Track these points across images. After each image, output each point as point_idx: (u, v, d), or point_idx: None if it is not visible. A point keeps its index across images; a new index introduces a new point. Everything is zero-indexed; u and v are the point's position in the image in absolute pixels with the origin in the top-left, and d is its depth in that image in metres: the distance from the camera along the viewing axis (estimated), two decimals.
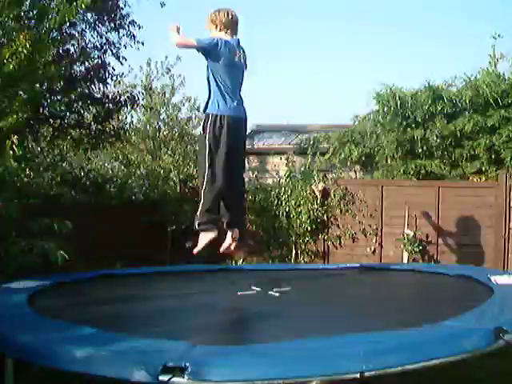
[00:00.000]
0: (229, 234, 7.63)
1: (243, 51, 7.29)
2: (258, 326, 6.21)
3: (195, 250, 7.52)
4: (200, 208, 7.24)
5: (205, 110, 7.12)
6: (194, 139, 22.11)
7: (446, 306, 6.63)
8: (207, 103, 7.06)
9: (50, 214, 10.11)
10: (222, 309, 7.11)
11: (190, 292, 8.13)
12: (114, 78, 14.49)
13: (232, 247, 7.67)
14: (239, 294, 7.71)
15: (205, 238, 7.33)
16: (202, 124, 7.14)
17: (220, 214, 7.46)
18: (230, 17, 7.15)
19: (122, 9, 13.98)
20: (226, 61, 6.97)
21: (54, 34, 12.02)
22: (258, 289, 7.81)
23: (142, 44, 14.46)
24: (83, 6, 10.85)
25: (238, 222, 7.74)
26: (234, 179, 7.33)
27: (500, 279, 7.65)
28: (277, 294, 7.57)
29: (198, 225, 7.29)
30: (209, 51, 6.93)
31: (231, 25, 7.15)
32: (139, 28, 14.22)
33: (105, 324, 5.76)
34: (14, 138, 9.44)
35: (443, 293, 7.81)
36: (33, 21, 11.27)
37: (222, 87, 6.98)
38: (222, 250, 7.71)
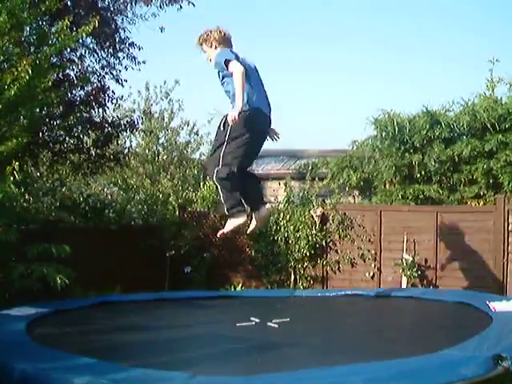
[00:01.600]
0: (254, 215, 7.59)
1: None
2: (258, 357, 6.19)
3: (223, 231, 7.55)
4: (222, 196, 7.16)
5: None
6: (193, 163, 22.16)
7: (445, 334, 6.65)
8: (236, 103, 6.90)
9: (49, 239, 10.15)
10: (222, 340, 7.09)
11: (190, 321, 8.13)
12: (114, 101, 14.55)
13: (260, 225, 7.74)
14: (238, 325, 7.71)
15: (235, 221, 7.29)
16: (221, 122, 7.05)
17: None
18: (223, 34, 7.22)
19: (123, 30, 14.08)
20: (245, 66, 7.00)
21: (54, 60, 12.10)
22: (257, 320, 7.80)
23: (144, 63, 14.54)
24: (84, 34, 10.95)
25: (262, 200, 7.76)
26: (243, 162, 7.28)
27: (499, 306, 7.67)
28: (276, 326, 7.57)
29: (227, 211, 7.26)
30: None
31: (225, 41, 7.21)
32: (139, 49, 14.31)
33: (104, 353, 5.77)
34: (15, 164, 9.46)
35: (442, 320, 7.84)
36: (33, 46, 11.36)
37: (250, 88, 7.00)
38: (249, 231, 7.88)
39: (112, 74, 14.23)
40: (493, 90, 14.42)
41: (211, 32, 7.20)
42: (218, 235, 7.58)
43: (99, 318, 8.45)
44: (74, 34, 10.75)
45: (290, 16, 35.77)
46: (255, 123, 7.04)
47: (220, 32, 7.21)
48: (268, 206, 7.58)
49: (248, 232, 7.93)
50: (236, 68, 6.73)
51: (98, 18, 11.29)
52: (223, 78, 7.13)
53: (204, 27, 7.34)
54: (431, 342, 6.12)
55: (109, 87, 14.15)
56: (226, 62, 6.83)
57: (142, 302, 9.61)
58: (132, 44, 14.18)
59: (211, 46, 7.17)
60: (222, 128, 7.02)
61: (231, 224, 7.32)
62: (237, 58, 6.97)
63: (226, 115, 6.88)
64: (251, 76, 7.09)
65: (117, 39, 13.94)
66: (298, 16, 36.34)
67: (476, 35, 33.33)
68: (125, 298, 10.02)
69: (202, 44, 7.28)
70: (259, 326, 7.63)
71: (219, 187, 7.10)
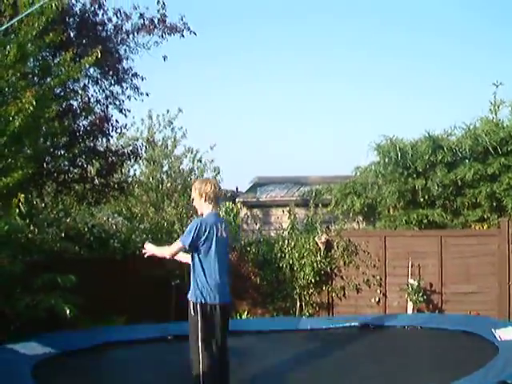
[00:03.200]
0: None
1: (225, 225, 7.47)
2: None
3: None
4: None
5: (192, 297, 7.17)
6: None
7: (451, 367, 6.62)
8: (193, 290, 7.16)
9: (54, 270, 10.16)
10: None
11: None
12: (118, 130, 14.63)
13: None
14: None
15: None
16: (191, 308, 7.08)
17: None
18: (217, 189, 7.28)
19: (126, 59, 14.20)
20: (210, 244, 7.08)
21: (58, 90, 12.19)
22: None
23: (147, 95, 14.65)
24: (87, 64, 11.04)
25: None
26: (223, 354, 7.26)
27: (504, 333, 7.63)
28: None
29: None
30: (196, 244, 7.04)
31: (216, 196, 7.25)
32: (142, 80, 14.42)
33: None
34: (21, 196, 9.52)
35: (448, 352, 7.79)
36: (37, 77, 11.46)
37: (209, 275, 7.15)
38: None
39: (115, 104, 14.32)
40: (496, 114, 14.47)
41: (205, 184, 7.27)
42: None
43: (104, 361, 8.42)
44: (77, 64, 10.85)
45: (291, 50, 35.98)
46: (210, 315, 7.04)
47: (214, 186, 7.29)
48: None
49: None
50: (172, 247, 7.24)
51: (100, 48, 11.40)
52: None
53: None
54: (437, 374, 6.10)
55: (111, 117, 14.24)
56: (180, 240, 7.10)
57: (145, 341, 9.57)
58: (135, 74, 14.28)
59: (200, 198, 7.25)
60: (192, 313, 7.08)
61: None
62: (208, 228, 7.04)
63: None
64: (216, 250, 7.19)
65: (120, 69, 14.04)
66: (299, 49, 36.55)
67: (479, 58, 33.48)
68: (129, 337, 9.94)
69: (193, 191, 7.39)
70: None
71: (199, 367, 6.94)
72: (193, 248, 7.00)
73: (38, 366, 7.57)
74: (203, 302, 6.93)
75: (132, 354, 9.04)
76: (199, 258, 7.03)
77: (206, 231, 6.97)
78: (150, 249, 7.59)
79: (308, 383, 6.42)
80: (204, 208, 7.22)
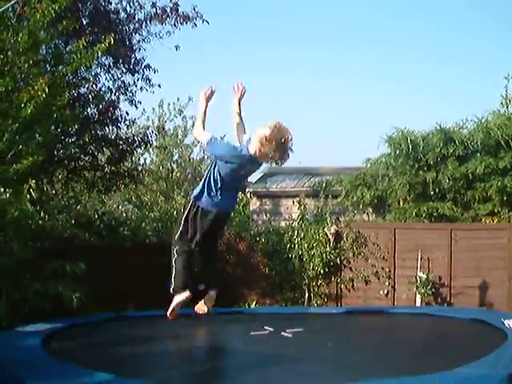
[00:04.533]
0: (207, 296, 7.33)
1: (257, 165, 6.87)
2: (272, 369, 6.18)
3: (168, 312, 7.15)
4: (173, 275, 7.00)
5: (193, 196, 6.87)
6: None
7: (461, 352, 6.62)
8: (198, 190, 6.77)
9: (64, 256, 10.20)
10: (236, 352, 7.09)
11: (205, 335, 8.14)
12: (127, 122, 14.65)
13: (205, 310, 7.24)
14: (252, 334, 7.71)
15: (178, 298, 6.97)
16: (185, 204, 6.94)
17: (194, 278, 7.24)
18: (281, 139, 6.42)
19: (139, 49, 14.21)
20: (229, 169, 6.56)
21: (70, 78, 12.19)
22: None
23: (159, 86, 14.65)
24: (99, 52, 11.04)
25: (213, 283, 7.39)
26: (207, 248, 7.24)
27: None
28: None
29: (173, 290, 7.01)
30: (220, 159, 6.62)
31: (279, 147, 6.45)
32: (154, 72, 14.41)
33: (118, 368, 5.79)
34: (32, 182, 9.54)
35: (458, 338, 7.81)
36: (49, 65, 11.47)
37: (215, 184, 6.68)
38: (196, 309, 7.37)
39: (126, 95, 14.32)
40: (507, 107, 14.41)
41: (272, 134, 6.36)
42: (168, 315, 7.36)
43: (114, 332, 8.46)
44: (89, 52, 10.85)
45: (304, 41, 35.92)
46: (208, 216, 6.75)
47: (278, 136, 6.42)
48: (213, 293, 7.21)
49: (195, 309, 7.38)
50: (203, 135, 6.64)
51: (114, 37, 11.40)
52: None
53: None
54: (447, 359, 6.10)
55: (120, 109, 14.26)
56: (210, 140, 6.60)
57: (156, 317, 9.61)
58: (147, 66, 14.28)
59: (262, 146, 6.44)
60: (181, 210, 6.95)
61: (176, 300, 7.04)
62: (230, 153, 6.55)
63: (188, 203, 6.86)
64: (231, 175, 6.65)
65: (132, 60, 14.04)
66: (314, 40, 36.48)
67: (490, 52, 33.33)
68: (138, 314, 10.03)
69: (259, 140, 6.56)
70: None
71: (173, 263, 7.02)
72: (216, 158, 6.58)
73: (48, 338, 7.61)
74: (199, 205, 6.65)
75: (144, 324, 9.08)
76: (215, 169, 6.61)
77: (235, 158, 6.50)
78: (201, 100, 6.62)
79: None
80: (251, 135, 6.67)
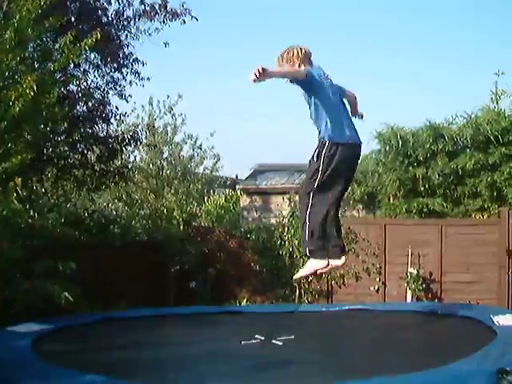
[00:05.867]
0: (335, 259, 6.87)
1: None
2: (263, 375, 6.15)
3: (298, 275, 7.12)
4: (307, 232, 6.64)
5: (320, 137, 6.65)
6: (197, 178, 22.18)
7: (450, 348, 6.63)
8: (322, 130, 6.59)
9: (54, 255, 10.14)
10: (226, 357, 7.05)
11: (195, 339, 8.11)
12: (118, 117, 14.59)
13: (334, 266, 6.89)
14: (243, 343, 7.69)
15: (315, 265, 6.73)
16: (316, 151, 6.58)
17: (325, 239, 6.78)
18: (304, 51, 6.72)
19: (127, 46, 14.15)
20: (329, 89, 6.59)
21: (58, 75, 12.13)
22: (262, 337, 7.79)
23: (148, 79, 14.58)
24: (87, 47, 10.98)
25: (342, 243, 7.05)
26: (336, 204, 7.05)
27: (503, 319, 7.66)
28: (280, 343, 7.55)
29: (310, 252, 6.69)
30: (316, 85, 6.51)
31: (306, 59, 6.70)
32: (143, 65, 14.34)
33: (110, 370, 5.76)
34: (18, 181, 9.48)
35: (447, 335, 7.82)
36: (37, 62, 11.40)
37: (333, 115, 6.58)
38: (326, 270, 6.95)
39: (116, 90, 14.26)
40: (497, 103, 14.42)
41: (291, 51, 6.71)
42: (295, 278, 7.09)
43: (104, 335, 8.43)
44: (76, 47, 10.78)
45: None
46: (346, 156, 6.56)
47: (300, 50, 6.72)
48: (344, 259, 6.78)
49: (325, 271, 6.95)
50: (303, 70, 6.49)
51: (99, 30, 11.33)
52: (308, 101, 6.68)
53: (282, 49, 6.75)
54: (436, 356, 6.11)
55: (110, 103, 14.21)
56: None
57: (147, 318, 9.59)
58: (136, 60, 14.21)
59: (293, 65, 6.68)
60: (315, 158, 6.58)
61: (312, 267, 6.77)
62: (320, 75, 6.56)
63: (318, 147, 6.56)
64: (337, 101, 6.64)
65: (121, 55, 13.98)
66: (303, 35, 36.47)
67: (480, 48, 33.39)
68: (129, 315, 9.99)
69: (282, 64, 6.75)
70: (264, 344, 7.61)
71: (306, 225, 6.62)
72: (314, 90, 6.49)
73: (38, 340, 7.58)
74: (332, 140, 6.42)
75: (134, 326, 9.05)
76: (321, 103, 6.51)
77: (318, 74, 6.50)
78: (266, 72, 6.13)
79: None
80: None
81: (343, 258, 6.75)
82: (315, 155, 6.55)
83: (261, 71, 5.88)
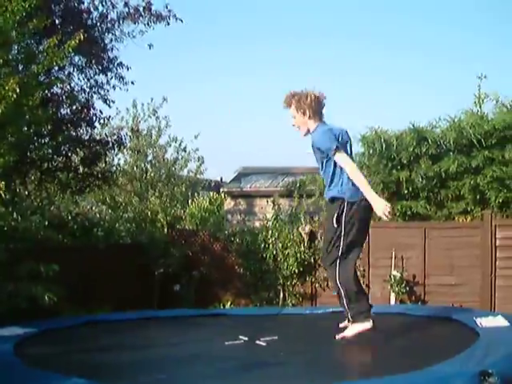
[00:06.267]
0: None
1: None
2: (247, 376, 6.15)
3: (341, 336, 6.96)
4: (345, 301, 6.78)
5: (333, 199, 6.67)
6: (181, 181, 22.19)
7: (432, 351, 6.64)
8: (338, 190, 6.59)
9: (37, 258, 10.11)
10: (211, 359, 7.04)
11: (179, 340, 8.10)
12: (102, 121, 14.59)
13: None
14: (227, 344, 7.69)
15: (359, 328, 6.80)
16: (335, 214, 6.55)
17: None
18: (318, 100, 6.64)
19: (112, 50, 14.15)
20: (346, 148, 6.62)
21: (42, 78, 12.10)
22: (246, 338, 7.80)
23: (132, 83, 14.58)
24: (70, 49, 10.96)
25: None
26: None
27: (485, 321, 7.69)
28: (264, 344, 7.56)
29: (352, 317, 6.78)
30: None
31: (319, 108, 6.67)
32: (128, 69, 14.35)
33: (94, 373, 5.74)
34: (1, 183, 9.44)
35: (430, 337, 7.83)
36: (21, 65, 11.36)
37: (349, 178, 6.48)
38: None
39: (100, 94, 14.26)
40: (480, 107, 14.48)
41: (306, 98, 6.58)
42: (337, 338, 6.89)
43: (87, 338, 8.38)
44: (60, 49, 10.76)
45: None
46: (366, 213, 6.61)
47: (315, 98, 6.61)
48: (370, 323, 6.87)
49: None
50: (348, 163, 6.39)
51: (83, 31, 11.32)
52: (323, 158, 6.62)
53: (294, 89, 6.72)
54: (419, 358, 6.12)
55: (95, 107, 14.20)
56: (334, 149, 6.41)
57: (130, 320, 9.56)
58: (120, 64, 14.23)
59: (304, 114, 6.61)
60: (335, 225, 6.53)
61: (355, 329, 6.83)
62: (337, 134, 6.55)
63: (337, 212, 6.54)
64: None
65: (105, 58, 13.98)
66: (286, 40, 36.53)
67: (464, 51, 33.58)
68: (113, 317, 9.97)
69: (291, 107, 6.71)
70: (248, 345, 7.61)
71: (342, 291, 6.72)
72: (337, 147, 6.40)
73: (21, 344, 7.53)
74: (350, 200, 6.41)
75: (117, 329, 9.02)
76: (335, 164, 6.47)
77: (337, 136, 6.49)
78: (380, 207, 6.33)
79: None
80: (312, 124, 6.63)
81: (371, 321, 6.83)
82: (334, 219, 6.51)
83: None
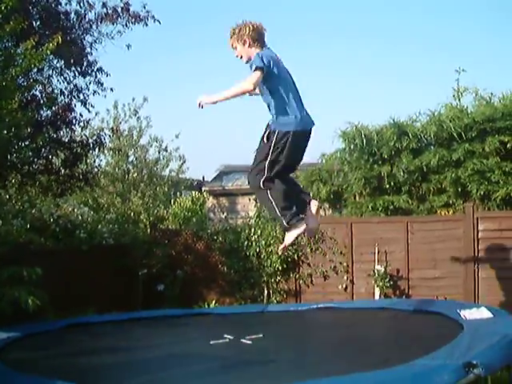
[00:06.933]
0: (309, 210, 7.05)
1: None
2: (234, 374, 6.15)
3: (284, 245, 7.16)
4: (278, 211, 6.78)
5: (270, 124, 6.79)
6: (163, 180, 22.15)
7: (417, 344, 6.69)
8: (273, 120, 6.72)
9: (19, 261, 10.06)
10: (196, 358, 7.04)
11: (164, 341, 8.09)
12: (81, 124, 14.53)
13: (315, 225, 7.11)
14: (212, 343, 7.69)
15: (294, 233, 6.86)
16: (265, 134, 6.71)
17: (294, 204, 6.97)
18: (257, 29, 6.74)
19: (90, 54, 14.10)
20: (281, 73, 6.65)
21: (21, 81, 12.04)
22: (231, 337, 7.80)
23: (111, 90, 14.54)
24: (48, 51, 10.91)
25: (307, 196, 7.29)
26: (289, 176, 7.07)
27: (469, 314, 7.74)
28: (249, 342, 7.56)
29: (288, 223, 6.79)
30: (269, 72, 6.52)
31: (259, 37, 6.75)
32: (107, 75, 14.31)
33: (79, 376, 5.73)
34: None
35: (415, 330, 7.88)
36: None
37: (285, 100, 6.64)
38: (316, 226, 7.19)
39: (79, 98, 14.20)
40: (459, 100, 14.55)
41: (244, 27, 6.71)
42: (279, 250, 7.22)
43: (72, 341, 8.37)
44: (38, 52, 10.71)
45: None
46: (300, 141, 6.76)
47: (254, 27, 6.72)
48: (316, 202, 7.06)
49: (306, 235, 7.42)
50: (249, 78, 6.44)
51: (61, 34, 11.27)
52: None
53: (236, 22, 6.84)
54: (404, 352, 6.15)
55: (74, 110, 14.13)
56: (254, 68, 6.46)
57: (116, 322, 9.54)
58: (100, 69, 14.18)
59: (244, 44, 6.74)
60: (265, 140, 6.68)
61: (292, 235, 6.92)
62: (272, 59, 6.59)
63: (269, 126, 6.70)
64: (287, 84, 6.73)
65: (84, 62, 13.92)
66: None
67: (443, 46, 33.69)
68: (97, 320, 9.94)
69: (233, 39, 6.83)
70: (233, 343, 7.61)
71: (271, 201, 6.76)
72: (265, 78, 6.46)
73: (5, 349, 7.52)
74: (282, 129, 6.53)
75: (102, 331, 9.00)
76: (272, 89, 6.59)
77: (269, 60, 6.49)
78: (207, 98, 6.51)
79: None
80: (253, 52, 6.68)
81: (314, 201, 7.04)
82: (265, 137, 6.70)
83: (202, 104, 6.32)
